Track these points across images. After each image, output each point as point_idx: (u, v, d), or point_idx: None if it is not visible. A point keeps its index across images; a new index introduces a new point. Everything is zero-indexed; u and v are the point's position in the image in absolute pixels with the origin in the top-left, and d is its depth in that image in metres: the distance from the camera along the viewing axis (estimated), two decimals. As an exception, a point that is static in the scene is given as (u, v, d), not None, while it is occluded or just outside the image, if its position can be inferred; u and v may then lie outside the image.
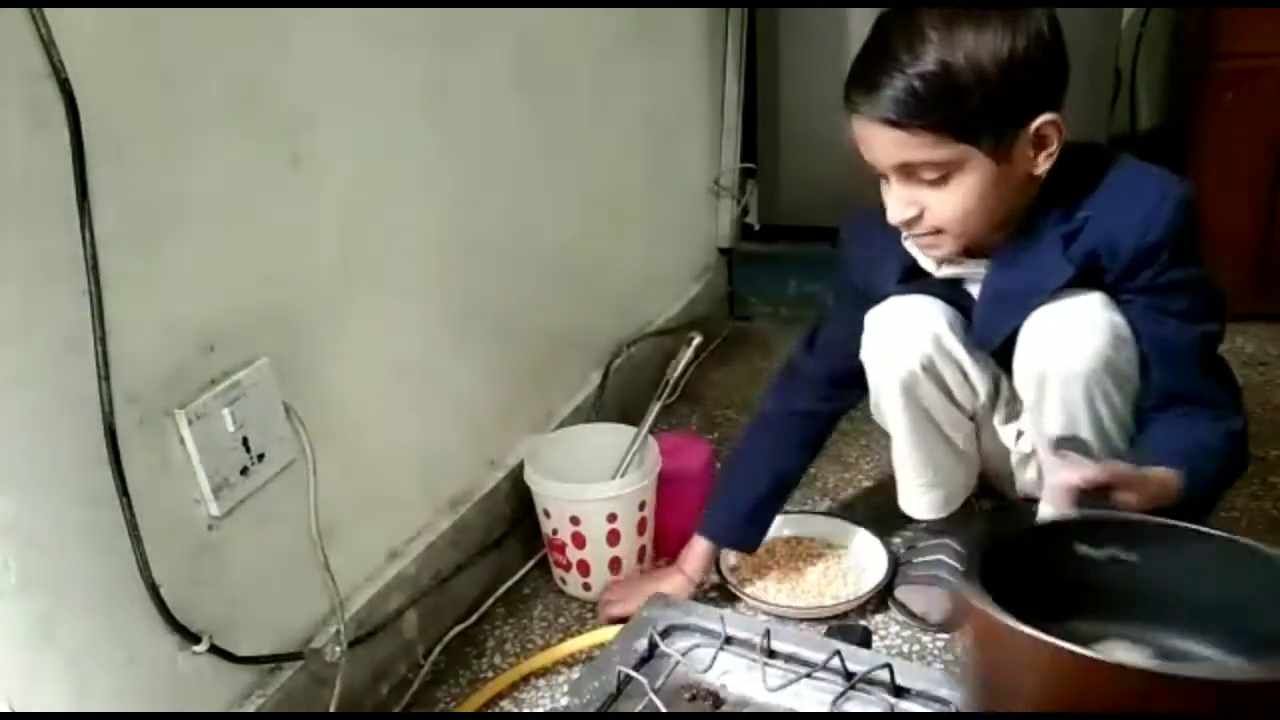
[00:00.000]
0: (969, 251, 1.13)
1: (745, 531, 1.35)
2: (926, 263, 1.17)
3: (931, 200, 1.06)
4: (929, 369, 1.19)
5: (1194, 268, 1.07)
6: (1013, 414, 1.28)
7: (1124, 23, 2.08)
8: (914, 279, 1.19)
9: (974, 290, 1.19)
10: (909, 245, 1.16)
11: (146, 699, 0.93)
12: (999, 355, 1.20)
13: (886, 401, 1.24)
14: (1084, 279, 1.08)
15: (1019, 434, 1.28)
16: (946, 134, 1.00)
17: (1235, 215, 1.90)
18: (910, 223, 1.08)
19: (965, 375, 1.22)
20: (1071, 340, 1.08)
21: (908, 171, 1.05)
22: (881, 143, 1.04)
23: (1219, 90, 1.86)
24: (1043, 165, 1.05)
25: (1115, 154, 1.10)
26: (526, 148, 1.46)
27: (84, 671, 0.86)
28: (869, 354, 1.24)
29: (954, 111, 0.99)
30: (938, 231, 1.08)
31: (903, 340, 1.20)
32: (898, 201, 1.07)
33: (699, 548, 1.33)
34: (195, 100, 0.91)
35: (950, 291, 1.20)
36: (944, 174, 1.03)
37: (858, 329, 1.23)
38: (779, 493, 1.36)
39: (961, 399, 1.24)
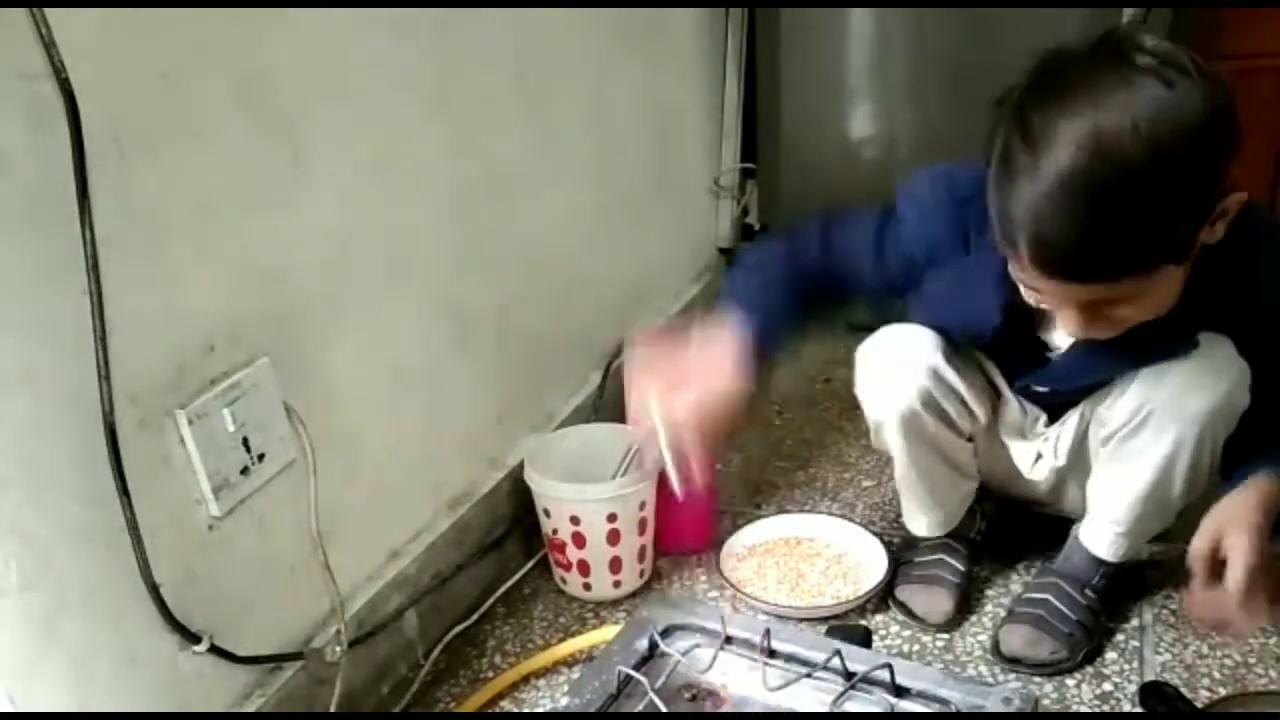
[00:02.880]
0: None
1: (779, 341, 1.11)
2: (1030, 295, 1.00)
3: (1125, 314, 0.96)
4: (929, 404, 1.19)
5: None
6: (1021, 433, 1.28)
7: (1124, 22, 2.07)
8: (1014, 313, 1.09)
9: (1049, 325, 1.13)
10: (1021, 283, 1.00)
11: (147, 698, 0.93)
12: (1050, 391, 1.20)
13: (888, 435, 1.24)
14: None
15: (1038, 456, 1.28)
16: (1135, 274, 0.90)
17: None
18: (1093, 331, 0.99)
19: (964, 403, 1.22)
20: (1193, 383, 1.06)
21: (1101, 302, 0.94)
22: (1058, 292, 0.93)
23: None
24: (1218, 235, 0.94)
25: (1258, 234, 1.01)
26: (527, 147, 1.46)
27: (85, 671, 0.86)
28: (865, 391, 1.23)
29: (1141, 253, 0.88)
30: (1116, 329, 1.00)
31: (900, 378, 1.19)
32: (1078, 325, 0.96)
33: (738, 349, 1.03)
34: (195, 100, 0.91)
35: (1017, 327, 1.12)
36: (1137, 295, 0.94)
37: (882, 283, 1.13)
38: (796, 320, 1.14)
39: (960, 424, 1.24)
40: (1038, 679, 1.20)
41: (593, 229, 1.69)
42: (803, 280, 1.14)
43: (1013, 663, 1.21)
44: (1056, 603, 1.24)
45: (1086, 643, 1.22)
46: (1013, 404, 1.26)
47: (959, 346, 1.21)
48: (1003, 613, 1.29)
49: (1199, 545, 1.03)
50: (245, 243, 0.99)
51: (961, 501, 1.34)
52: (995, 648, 1.23)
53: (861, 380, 1.23)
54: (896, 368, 1.20)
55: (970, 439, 1.29)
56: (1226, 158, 0.90)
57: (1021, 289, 0.99)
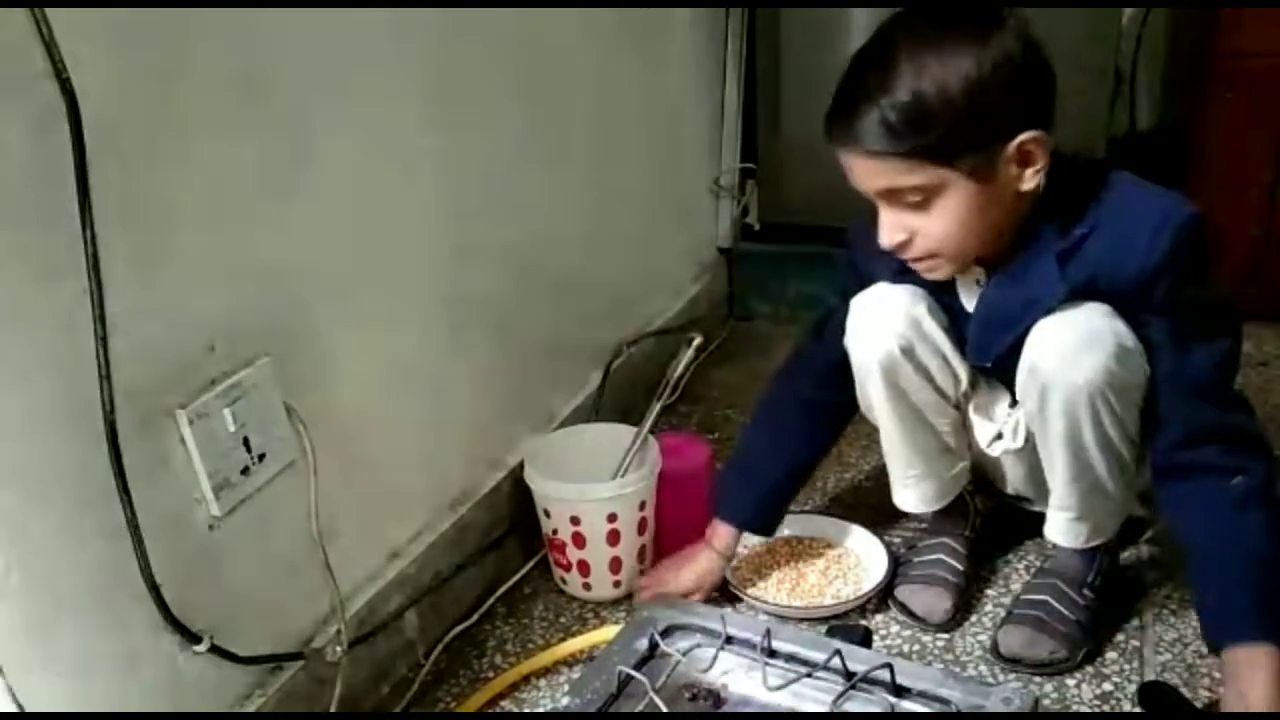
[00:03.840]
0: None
1: (767, 516, 1.38)
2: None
3: (918, 224, 1.06)
4: (908, 351, 1.21)
5: (1202, 292, 1.06)
6: (988, 413, 1.28)
7: (1124, 22, 2.07)
8: (908, 274, 1.20)
9: (964, 294, 1.20)
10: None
11: (147, 699, 0.93)
12: (992, 367, 1.21)
13: (870, 386, 1.25)
14: (1084, 294, 1.08)
15: (998, 435, 1.29)
16: (922, 160, 1.01)
17: (1237, 214, 1.90)
18: (902, 247, 1.09)
19: (945, 359, 1.23)
20: (1074, 352, 1.08)
21: (892, 197, 1.06)
22: (862, 172, 1.05)
23: (1220, 89, 1.86)
24: (1029, 182, 1.05)
25: (1118, 172, 1.09)
26: (527, 148, 1.46)
27: (85, 671, 0.86)
28: (851, 339, 1.25)
29: (925, 138, 1.00)
30: (932, 256, 1.09)
31: (882, 324, 1.21)
32: (887, 227, 1.08)
33: (724, 529, 1.35)
34: (196, 101, 0.91)
35: (941, 294, 1.21)
36: (926, 198, 1.04)
37: None
38: (795, 479, 1.38)
39: (943, 384, 1.25)
40: (1038, 679, 1.20)
41: (593, 229, 1.69)
42: (812, 390, 1.33)
43: (1012, 663, 1.21)
44: (1055, 603, 1.24)
45: (1086, 642, 1.22)
46: (983, 382, 1.28)
47: None
48: (1003, 613, 1.29)
49: None
50: (246, 243, 0.99)
51: (953, 480, 1.34)
52: (995, 648, 1.23)
53: (849, 328, 1.25)
54: (879, 314, 1.22)
55: (957, 406, 1.29)
56: (1015, 98, 1.01)
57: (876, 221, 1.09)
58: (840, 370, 1.28)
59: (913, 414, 1.27)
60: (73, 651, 0.85)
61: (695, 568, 1.35)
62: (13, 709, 0.71)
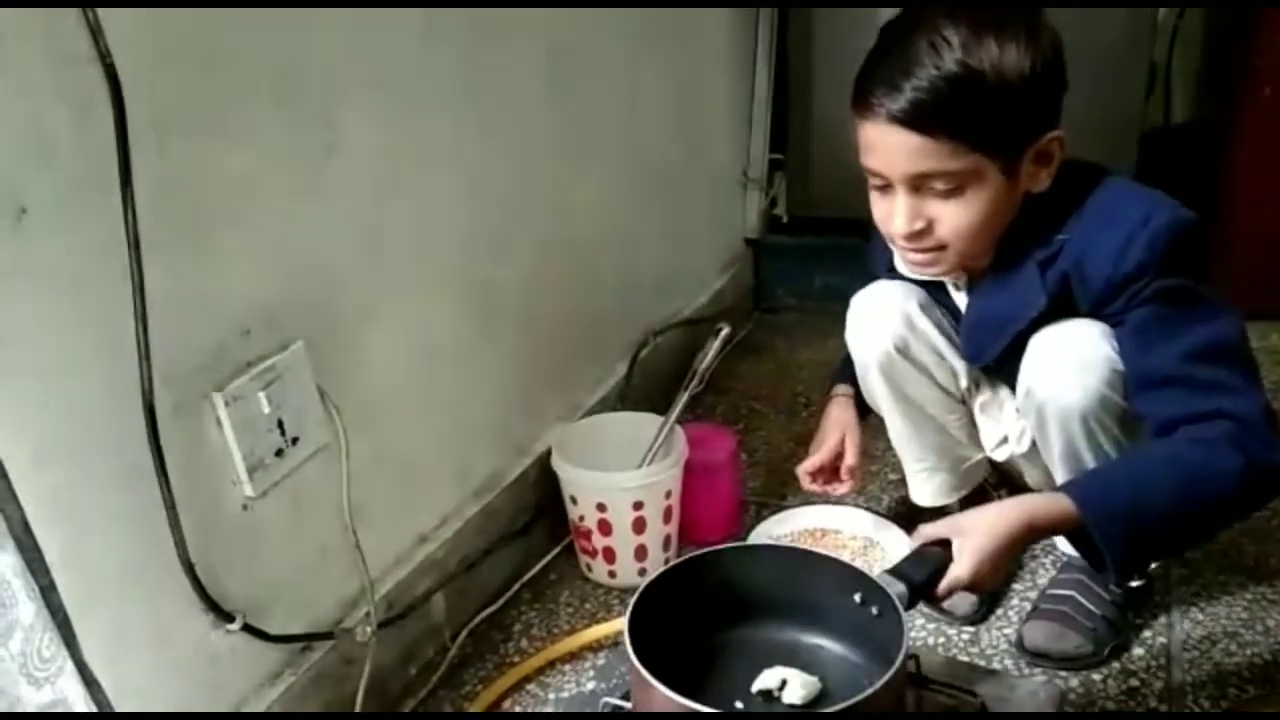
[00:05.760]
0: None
1: None
2: (901, 266, 1.18)
3: (941, 213, 1.04)
4: (904, 350, 1.22)
5: (1182, 297, 1.00)
6: (994, 415, 1.29)
7: (1160, 18, 2.05)
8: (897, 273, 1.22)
9: (953, 295, 1.21)
10: (895, 250, 1.15)
11: (181, 675, 0.95)
12: (993, 367, 1.21)
13: (872, 383, 1.27)
14: (1063, 305, 1.07)
15: (1003, 439, 1.29)
16: (966, 144, 0.99)
17: (1273, 209, 1.88)
18: (917, 236, 1.06)
19: (942, 356, 1.24)
20: (1068, 378, 1.07)
21: (919, 183, 1.02)
22: (896, 149, 1.01)
23: (1258, 85, 1.84)
24: (1043, 183, 1.04)
25: (1105, 175, 1.07)
26: (557, 138, 1.46)
27: (120, 647, 0.88)
28: (850, 338, 1.27)
29: (976, 120, 0.98)
30: (940, 248, 1.07)
31: (877, 322, 1.23)
32: (905, 214, 1.04)
33: (840, 387, 1.37)
34: (234, 88, 0.92)
35: (933, 292, 1.22)
36: (957, 186, 1.02)
37: None
38: None
39: (943, 380, 1.26)
40: (1063, 674, 1.19)
41: (621, 219, 1.69)
42: None
43: (1037, 656, 1.21)
44: (1081, 598, 1.23)
45: (1112, 638, 1.22)
46: (986, 381, 1.28)
47: None
48: (1029, 607, 1.29)
49: (929, 531, 0.99)
50: (281, 228, 1.00)
51: (967, 473, 1.34)
52: (1020, 642, 1.23)
53: (849, 328, 1.27)
54: (876, 313, 1.23)
55: (963, 401, 1.29)
56: (1055, 95, 1.01)
57: (872, 198, 1.08)
58: None
59: (916, 409, 1.28)
60: (109, 627, 0.86)
61: (832, 426, 1.34)
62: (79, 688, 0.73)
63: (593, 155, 1.57)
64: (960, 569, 0.94)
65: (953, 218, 1.04)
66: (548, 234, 1.46)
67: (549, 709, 1.19)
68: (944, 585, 0.94)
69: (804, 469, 1.33)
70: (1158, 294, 1.00)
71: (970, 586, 0.95)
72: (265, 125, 0.97)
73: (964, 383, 1.26)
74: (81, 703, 0.74)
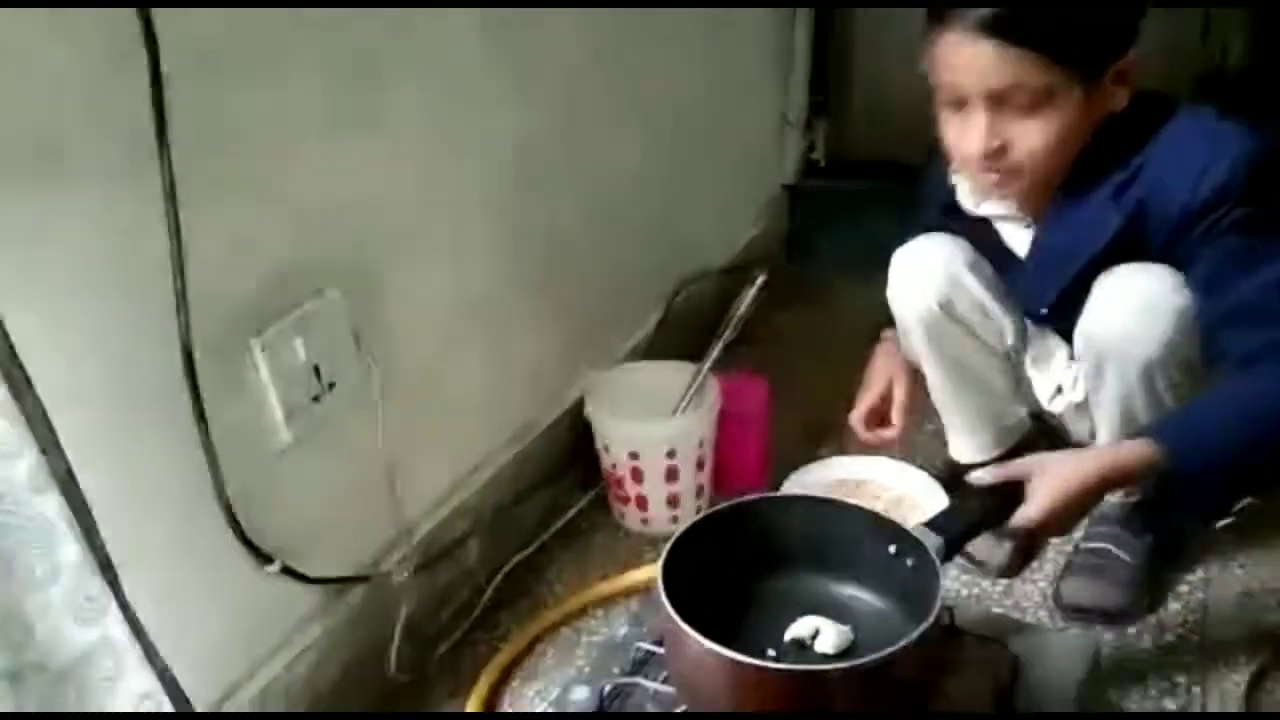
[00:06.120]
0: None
1: None
2: (965, 198, 1.16)
3: (1018, 132, 1.01)
4: (947, 308, 1.20)
5: (1263, 226, 0.98)
6: (1045, 366, 1.26)
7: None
8: (955, 212, 1.19)
9: (1012, 242, 1.17)
10: (957, 180, 1.13)
11: (221, 614, 0.97)
12: (1048, 315, 1.19)
13: (914, 339, 1.25)
14: (1134, 238, 1.04)
15: (1058, 389, 1.26)
16: (1050, 57, 0.96)
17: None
18: (993, 155, 1.03)
19: (987, 313, 1.21)
20: (1132, 325, 1.04)
21: (998, 99, 1.00)
22: (978, 62, 0.98)
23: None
24: (1121, 103, 1.02)
25: (1178, 105, 1.04)
26: (591, 84, 1.44)
27: (162, 588, 0.89)
28: (892, 296, 1.24)
29: (1063, 31, 0.95)
30: (1015, 170, 1.04)
31: (920, 281, 1.20)
32: (982, 131, 1.02)
33: (891, 347, 1.33)
34: (271, 36, 0.91)
35: (988, 244, 1.19)
36: (1037, 103, 0.99)
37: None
38: None
39: (987, 336, 1.23)
40: (1099, 628, 1.18)
41: (656, 166, 1.67)
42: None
43: (1077, 612, 1.20)
44: (1117, 550, 1.22)
45: (1149, 592, 1.21)
46: (1035, 333, 1.25)
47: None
48: (1063, 560, 1.28)
49: (1006, 470, 0.97)
50: (316, 175, 1.00)
51: (1010, 429, 1.33)
52: (1057, 597, 1.22)
53: (890, 285, 1.24)
54: (919, 271, 1.21)
55: (1008, 357, 1.27)
56: (1138, 13, 1.00)
57: (942, 117, 1.06)
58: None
59: (959, 366, 1.26)
60: (152, 567, 0.88)
61: (878, 371, 1.31)
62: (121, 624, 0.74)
63: (628, 102, 1.55)
64: (1032, 508, 0.93)
65: (1031, 137, 1.01)
66: (582, 182, 1.45)
67: (581, 653, 1.20)
68: (1014, 522, 0.93)
69: (855, 417, 1.31)
70: (1236, 223, 0.98)
71: (1041, 529, 0.94)
72: (302, 73, 0.96)
73: (1010, 340, 1.24)
74: (125, 642, 0.76)
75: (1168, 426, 0.97)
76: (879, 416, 1.31)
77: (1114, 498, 1.23)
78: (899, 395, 1.30)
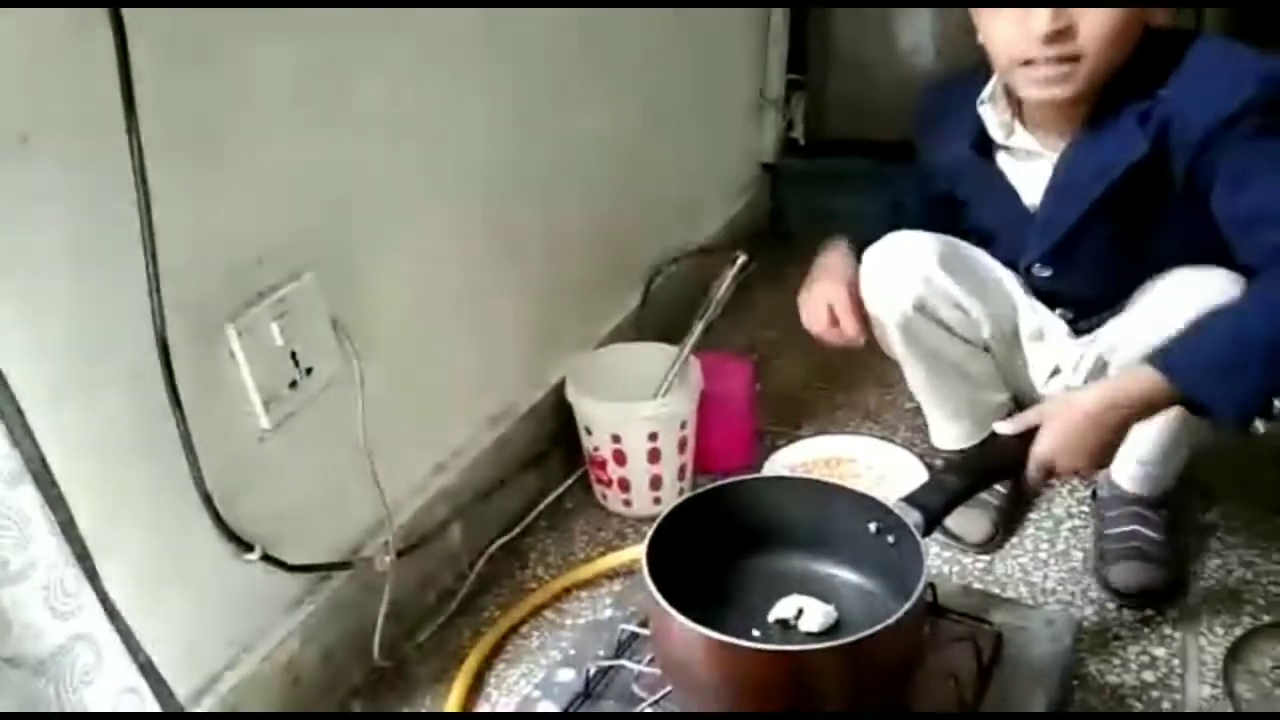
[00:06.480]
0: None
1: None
2: (994, 129, 1.16)
3: (1085, 15, 1.01)
4: (923, 309, 1.20)
5: None
6: (1042, 338, 1.26)
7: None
8: (984, 149, 1.18)
9: (1021, 177, 1.17)
10: (985, 110, 1.14)
11: (202, 603, 0.96)
12: (1051, 276, 1.19)
13: (890, 337, 1.25)
14: (1157, 160, 1.05)
15: (1055, 370, 1.26)
16: None
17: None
18: (1057, 37, 1.02)
19: (963, 308, 1.21)
20: (1205, 290, 1.04)
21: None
22: None
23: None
24: (1161, 18, 1.03)
25: (1208, 37, 1.06)
26: (570, 64, 1.43)
27: (141, 578, 0.88)
28: (866, 295, 1.24)
29: None
30: (1075, 59, 1.03)
31: (893, 283, 1.20)
32: (1049, 12, 1.01)
33: (843, 248, 1.30)
34: (239, 12, 0.89)
35: (998, 184, 1.19)
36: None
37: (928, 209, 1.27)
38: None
39: (964, 332, 1.23)
40: (1148, 611, 1.17)
41: (635, 147, 1.66)
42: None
43: (1136, 597, 1.18)
44: (1144, 529, 1.21)
45: (1181, 564, 1.21)
46: (1029, 309, 1.25)
47: (965, 235, 1.26)
48: (1044, 536, 1.29)
49: (1014, 423, 0.99)
50: (292, 156, 0.98)
51: (990, 415, 1.32)
52: (1111, 588, 1.20)
53: (863, 286, 1.24)
54: (892, 274, 1.21)
55: (987, 349, 1.27)
56: None
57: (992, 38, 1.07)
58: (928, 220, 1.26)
59: (937, 360, 1.26)
60: (132, 558, 0.87)
61: (828, 276, 1.27)
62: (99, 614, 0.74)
63: (605, 82, 1.54)
64: (1040, 445, 0.95)
65: (1098, 20, 1.01)
66: (560, 163, 1.44)
67: (566, 635, 1.20)
68: (1030, 467, 0.95)
69: (814, 318, 1.26)
70: (1258, 130, 0.99)
71: (1055, 468, 0.95)
72: (274, 47, 0.94)
73: (986, 332, 1.24)
74: (105, 634, 0.75)
75: (1174, 350, 0.96)
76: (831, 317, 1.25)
77: (1124, 482, 1.23)
78: (840, 299, 1.24)
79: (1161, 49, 1.04)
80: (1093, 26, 1.02)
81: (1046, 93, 1.09)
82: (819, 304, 1.26)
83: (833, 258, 1.30)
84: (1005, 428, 0.99)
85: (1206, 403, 0.93)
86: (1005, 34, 1.06)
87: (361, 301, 1.09)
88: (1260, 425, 1.11)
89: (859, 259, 1.26)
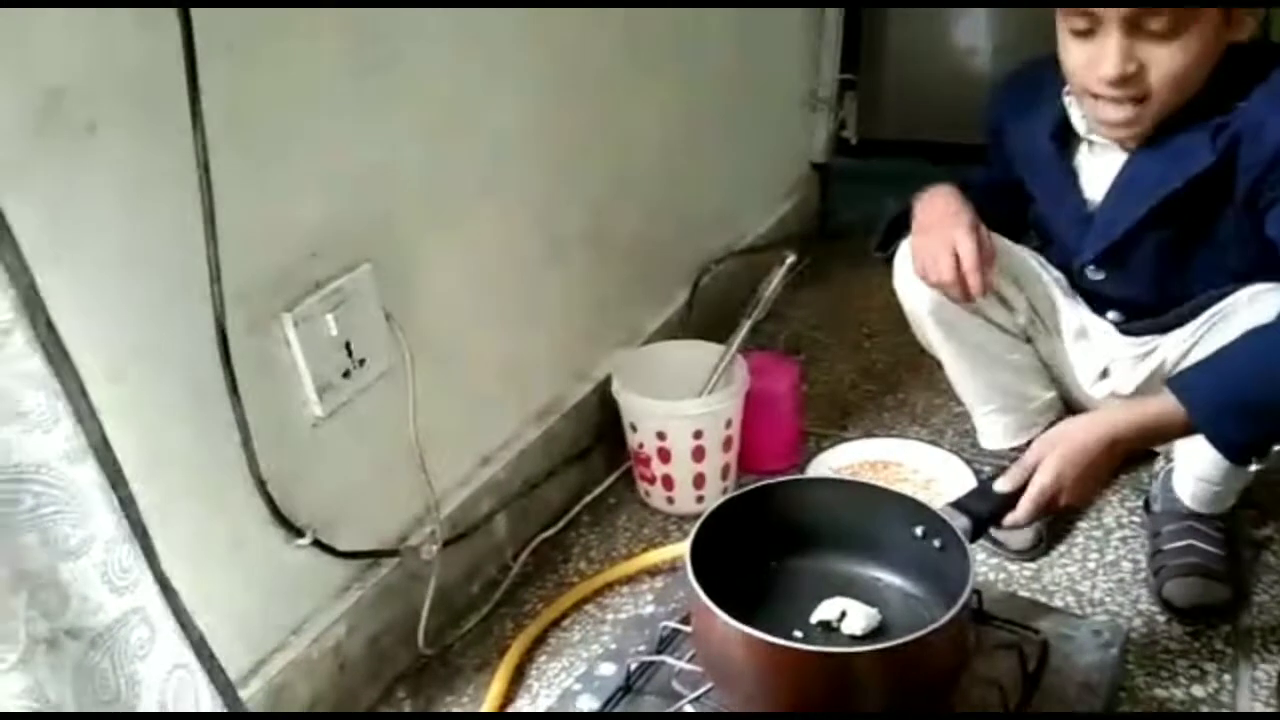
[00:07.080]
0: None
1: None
2: (1078, 121, 1.13)
3: (1154, 57, 1.00)
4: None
5: None
6: (1087, 337, 1.24)
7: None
8: (1064, 140, 1.16)
9: (1090, 172, 1.15)
10: (1069, 101, 1.12)
11: (253, 587, 0.98)
12: (1104, 279, 1.17)
13: (926, 331, 1.24)
14: (1222, 174, 1.02)
15: (1104, 373, 1.24)
16: None
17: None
18: (1125, 82, 1.01)
19: (1000, 296, 1.20)
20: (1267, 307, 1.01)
21: (1136, 22, 0.98)
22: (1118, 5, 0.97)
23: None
24: (1250, 28, 1.00)
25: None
26: (619, 59, 1.43)
27: (196, 558, 0.90)
28: (899, 286, 1.23)
29: None
30: (1143, 98, 1.02)
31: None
32: (1119, 54, 0.99)
33: (954, 191, 1.21)
34: (301, 9, 0.91)
35: (1067, 182, 1.17)
36: (1175, 27, 0.98)
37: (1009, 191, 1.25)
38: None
39: (1000, 320, 1.22)
40: (1210, 629, 1.14)
41: (685, 144, 1.65)
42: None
43: (1196, 614, 1.15)
44: (1206, 546, 1.18)
45: (1241, 581, 1.18)
46: (1070, 305, 1.23)
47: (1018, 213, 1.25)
48: (1093, 546, 1.27)
49: (1025, 461, 0.95)
50: (349, 151, 1.00)
51: (1037, 412, 1.31)
52: (1168, 605, 1.17)
53: (896, 279, 1.23)
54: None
55: (1029, 339, 1.25)
56: None
57: (1071, 48, 1.04)
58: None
59: (976, 352, 1.24)
60: (185, 539, 0.89)
61: (951, 222, 1.15)
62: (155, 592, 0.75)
63: (657, 79, 1.54)
64: (1042, 475, 0.92)
65: (1166, 61, 1.00)
66: (611, 160, 1.44)
67: (607, 630, 1.21)
68: (1027, 496, 0.92)
69: (938, 274, 1.14)
70: None
71: (1056, 498, 0.92)
72: (332, 42, 0.95)
73: (1024, 319, 1.22)
74: (160, 611, 0.77)
75: (1189, 376, 0.93)
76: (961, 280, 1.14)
77: (1185, 499, 1.20)
78: (968, 248, 1.12)
79: (1245, 63, 1.02)
80: (1162, 67, 1.00)
81: (1110, 133, 1.08)
82: (943, 250, 1.13)
83: (949, 201, 1.18)
84: (1003, 485, 0.95)
85: (1221, 442, 0.90)
86: (1076, 59, 1.04)
87: (413, 295, 1.11)
88: (1255, 463, 1.09)
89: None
